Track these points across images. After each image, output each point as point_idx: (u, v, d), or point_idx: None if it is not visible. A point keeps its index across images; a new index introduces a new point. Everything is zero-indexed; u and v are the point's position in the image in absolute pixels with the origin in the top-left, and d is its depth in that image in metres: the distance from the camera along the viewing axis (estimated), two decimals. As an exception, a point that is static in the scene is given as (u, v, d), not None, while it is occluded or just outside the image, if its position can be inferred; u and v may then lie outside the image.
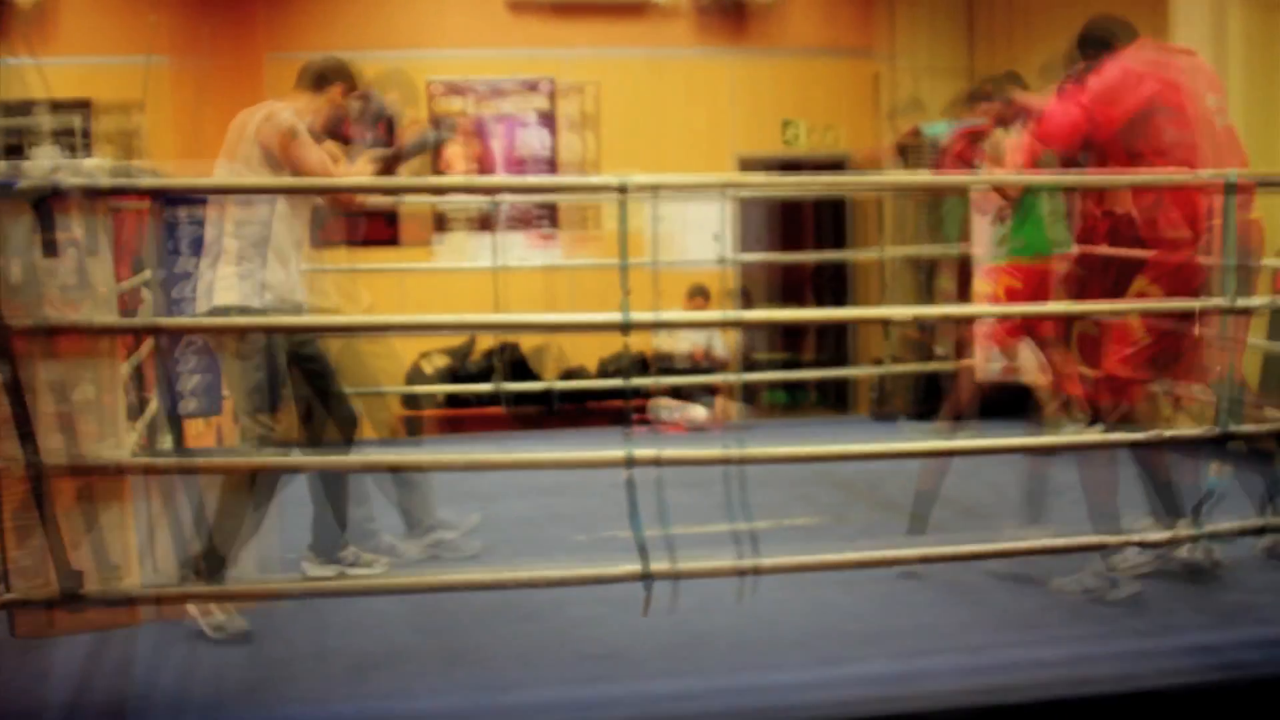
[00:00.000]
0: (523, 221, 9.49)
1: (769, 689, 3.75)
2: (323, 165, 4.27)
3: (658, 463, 3.67)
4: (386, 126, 4.98)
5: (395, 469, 4.86)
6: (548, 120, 9.72)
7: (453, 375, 8.99)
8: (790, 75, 9.92)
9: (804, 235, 10.09)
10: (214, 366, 7.04)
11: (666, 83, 9.82)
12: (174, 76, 8.72)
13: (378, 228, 9.06)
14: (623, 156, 9.33)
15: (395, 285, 8.78)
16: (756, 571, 3.73)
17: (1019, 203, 6.40)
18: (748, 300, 9.09)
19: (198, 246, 4.71)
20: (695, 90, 9.85)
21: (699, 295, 8.76)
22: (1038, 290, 6.42)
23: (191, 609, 4.13)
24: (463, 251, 9.35)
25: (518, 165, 9.58)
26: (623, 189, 3.69)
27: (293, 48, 8.86)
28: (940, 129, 8.21)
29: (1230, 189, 3.95)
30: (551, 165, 9.62)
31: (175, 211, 6.79)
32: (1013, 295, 6.41)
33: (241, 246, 4.27)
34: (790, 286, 9.77)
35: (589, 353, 9.53)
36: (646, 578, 3.69)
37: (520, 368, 8.97)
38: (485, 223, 9.25)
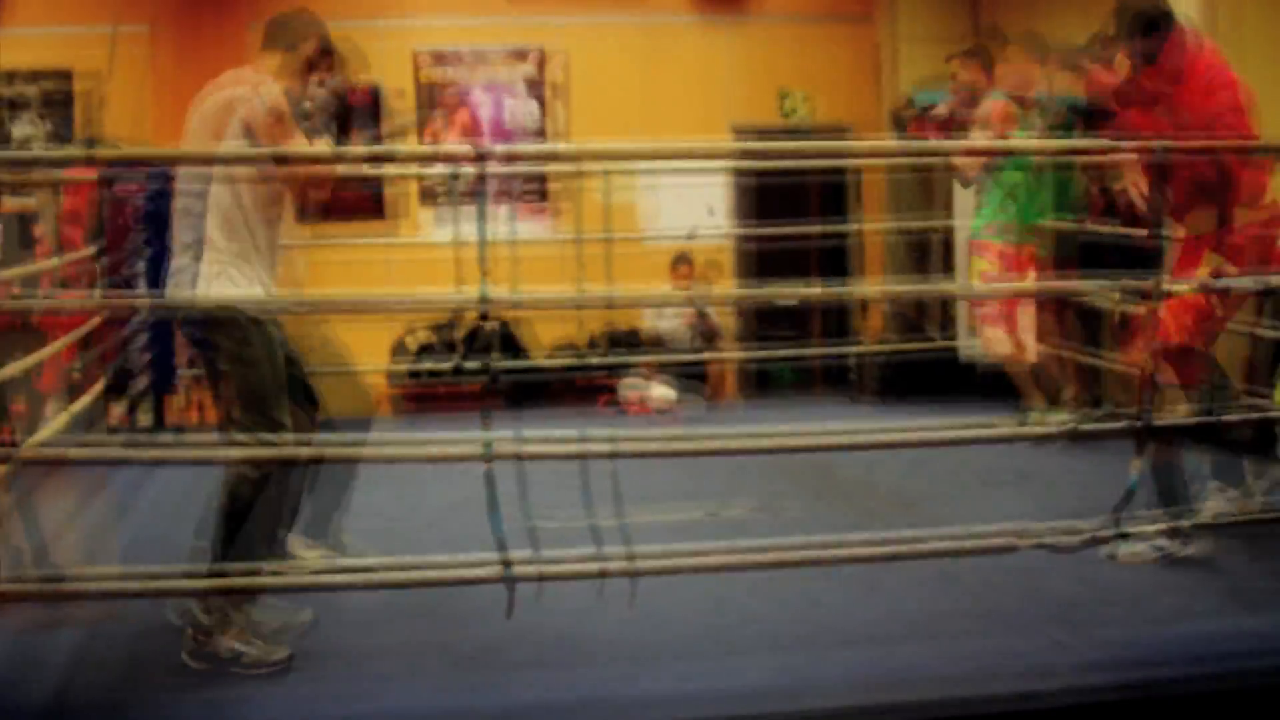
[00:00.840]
0: (510, 195, 9.27)
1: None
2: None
3: (518, 456, 3.48)
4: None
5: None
6: (536, 89, 9.50)
7: (441, 351, 8.83)
8: (787, 43, 9.60)
9: (804, 208, 9.78)
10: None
11: (659, 50, 9.53)
12: (153, 47, 8.62)
13: (362, 204, 8.88)
14: (612, 126, 9.07)
15: (380, 263, 8.64)
16: (631, 573, 3.55)
17: (992, 184, 6.20)
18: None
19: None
20: (689, 58, 9.55)
21: (683, 264, 8.64)
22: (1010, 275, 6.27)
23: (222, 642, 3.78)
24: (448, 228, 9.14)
25: (505, 135, 9.36)
26: (481, 158, 3.49)
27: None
28: (932, 98, 7.95)
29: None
30: (541, 135, 9.39)
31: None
32: (986, 279, 6.26)
33: (227, 239, 3.94)
34: (789, 261, 9.48)
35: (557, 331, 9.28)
36: (507, 578, 3.51)
37: (508, 343, 8.77)
38: (473, 198, 9.04)
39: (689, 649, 3.84)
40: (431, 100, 9.32)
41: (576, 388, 8.71)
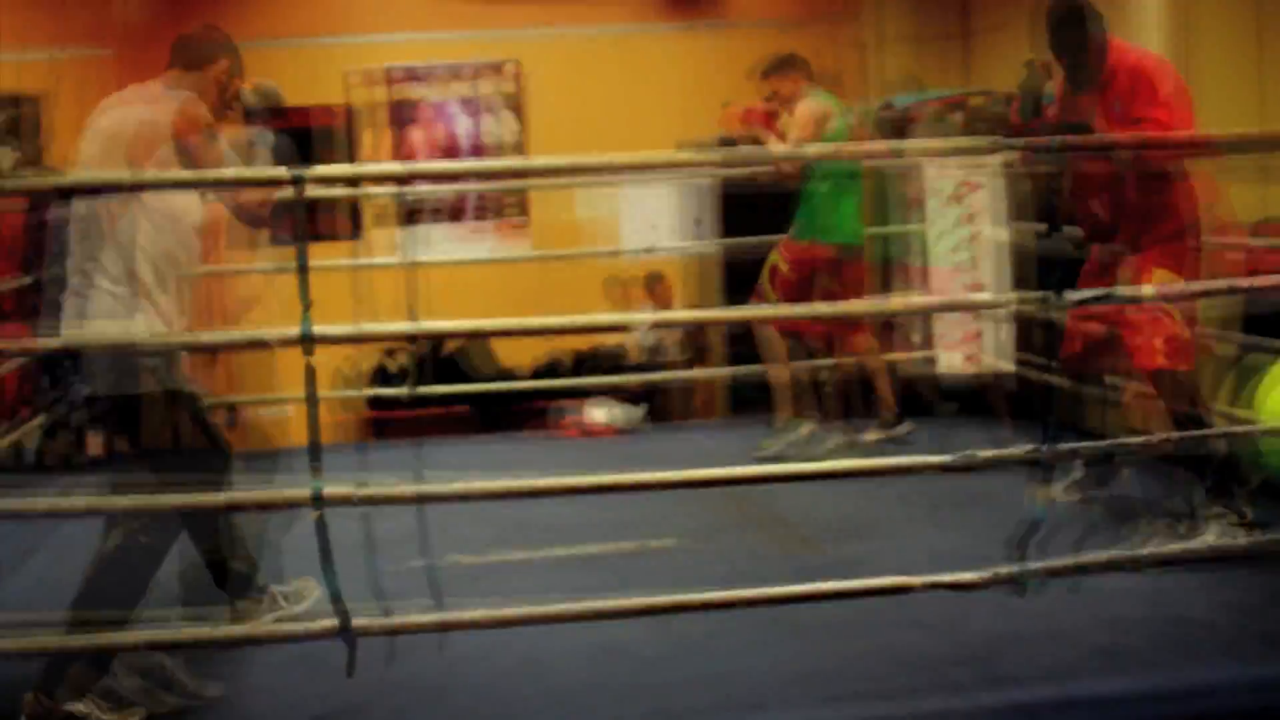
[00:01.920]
0: (449, 214, 9.04)
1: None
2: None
3: (349, 501, 3.20)
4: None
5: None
6: (486, 105, 9.25)
7: (382, 377, 8.62)
8: (756, 49, 9.26)
9: (762, 222, 9.46)
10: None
11: (611, 61, 9.23)
12: (114, 72, 8.38)
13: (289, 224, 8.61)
14: (559, 140, 8.80)
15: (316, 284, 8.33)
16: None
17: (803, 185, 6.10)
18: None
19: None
20: (642, 69, 9.23)
21: (658, 282, 8.60)
22: (803, 277, 6.08)
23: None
24: (386, 247, 8.88)
25: (451, 153, 9.15)
26: (298, 180, 3.22)
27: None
28: (910, 100, 7.76)
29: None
30: (484, 150, 9.18)
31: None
32: (777, 277, 6.12)
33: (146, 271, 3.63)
34: (744, 276, 9.18)
35: (524, 351, 9.03)
36: (346, 633, 3.23)
37: (449, 368, 8.51)
38: (411, 216, 8.81)
39: (571, 699, 3.56)
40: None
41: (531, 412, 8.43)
